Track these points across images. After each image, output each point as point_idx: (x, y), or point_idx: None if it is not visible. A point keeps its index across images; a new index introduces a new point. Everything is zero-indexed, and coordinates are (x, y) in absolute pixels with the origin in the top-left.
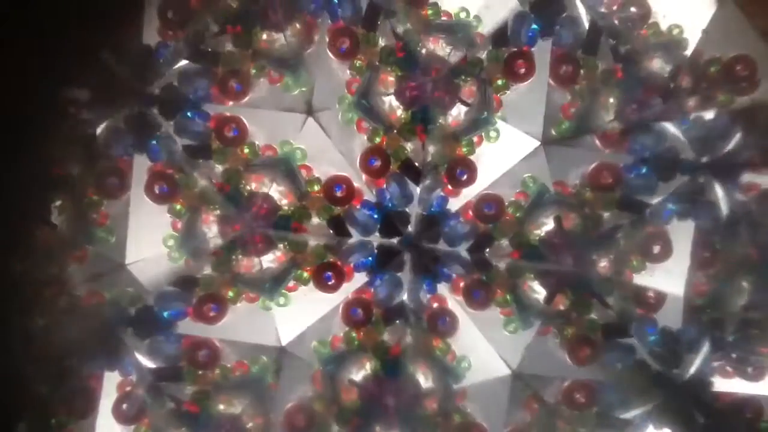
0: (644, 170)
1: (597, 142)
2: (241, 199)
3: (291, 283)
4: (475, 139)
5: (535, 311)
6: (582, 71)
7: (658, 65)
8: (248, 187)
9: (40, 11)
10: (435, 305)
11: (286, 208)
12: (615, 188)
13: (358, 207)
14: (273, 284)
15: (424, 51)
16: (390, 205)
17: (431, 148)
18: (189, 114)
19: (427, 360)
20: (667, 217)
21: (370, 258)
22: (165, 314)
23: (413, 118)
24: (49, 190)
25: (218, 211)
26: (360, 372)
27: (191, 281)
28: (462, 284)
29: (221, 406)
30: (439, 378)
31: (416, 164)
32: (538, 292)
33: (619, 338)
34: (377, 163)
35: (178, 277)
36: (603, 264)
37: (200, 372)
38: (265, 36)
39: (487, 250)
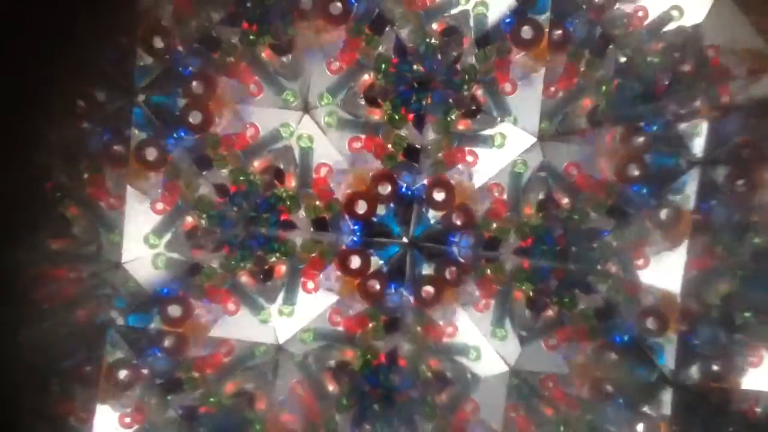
0: (644, 191)
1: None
2: (258, 189)
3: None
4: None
5: (518, 322)
6: (582, 68)
7: (661, 48)
8: (258, 177)
9: (39, 12)
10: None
11: (281, 189)
12: (611, 192)
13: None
14: (288, 295)
15: (433, 40)
16: (409, 192)
17: (431, 135)
18: (175, 135)
19: (433, 353)
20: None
21: (357, 237)
22: (158, 289)
23: (394, 105)
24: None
25: (204, 222)
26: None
27: (195, 268)
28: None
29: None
30: (453, 367)
31: (417, 146)
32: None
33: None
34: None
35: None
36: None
37: (197, 375)
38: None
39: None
